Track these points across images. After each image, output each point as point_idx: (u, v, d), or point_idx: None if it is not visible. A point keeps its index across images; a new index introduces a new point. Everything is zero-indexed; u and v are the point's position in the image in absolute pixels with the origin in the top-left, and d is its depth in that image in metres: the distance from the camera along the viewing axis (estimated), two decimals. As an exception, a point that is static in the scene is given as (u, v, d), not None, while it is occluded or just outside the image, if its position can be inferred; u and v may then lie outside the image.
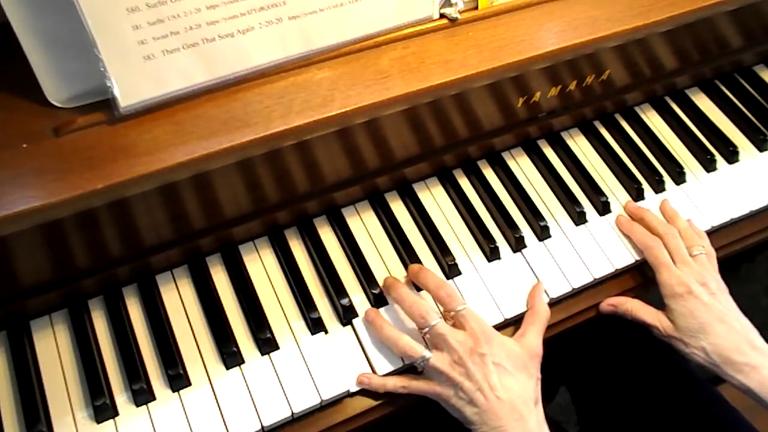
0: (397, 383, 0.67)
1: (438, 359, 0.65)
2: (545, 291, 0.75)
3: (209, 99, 0.63)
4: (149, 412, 0.64)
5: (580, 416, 0.95)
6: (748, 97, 0.97)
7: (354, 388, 0.68)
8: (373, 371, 0.68)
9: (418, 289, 0.74)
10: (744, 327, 0.72)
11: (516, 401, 0.63)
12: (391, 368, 0.69)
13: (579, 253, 0.79)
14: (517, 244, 0.78)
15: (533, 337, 0.69)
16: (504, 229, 0.80)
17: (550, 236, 0.80)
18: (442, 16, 0.71)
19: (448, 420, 0.66)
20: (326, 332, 0.71)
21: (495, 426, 0.62)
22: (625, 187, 0.86)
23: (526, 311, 0.73)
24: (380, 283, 0.73)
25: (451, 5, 0.71)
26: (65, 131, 0.59)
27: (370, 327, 0.70)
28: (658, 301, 0.75)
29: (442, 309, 0.71)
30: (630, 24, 0.74)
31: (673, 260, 0.75)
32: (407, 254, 0.76)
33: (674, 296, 0.73)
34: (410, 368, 0.70)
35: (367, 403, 0.68)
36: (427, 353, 0.65)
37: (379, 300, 0.73)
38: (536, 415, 0.64)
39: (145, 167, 0.58)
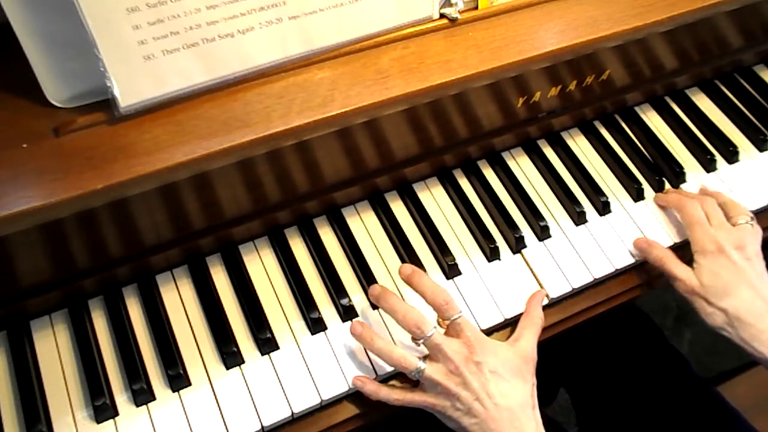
0: (390, 394, 0.65)
1: (434, 370, 0.63)
2: (546, 293, 0.75)
3: (209, 99, 0.63)
4: (149, 412, 0.64)
5: (580, 417, 0.95)
6: (748, 97, 0.97)
7: (354, 388, 0.68)
8: (374, 371, 0.68)
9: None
10: None
11: (514, 408, 0.62)
12: (391, 368, 0.68)
13: (579, 253, 0.79)
14: (517, 244, 0.78)
15: (528, 341, 0.68)
16: (504, 229, 0.80)
17: (550, 236, 0.80)
18: (442, 16, 0.71)
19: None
20: (326, 332, 0.71)
21: None
22: (625, 187, 0.85)
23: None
24: (380, 283, 0.73)
25: (451, 5, 0.71)
26: (65, 131, 0.59)
27: (359, 341, 0.67)
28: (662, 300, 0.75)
29: (435, 315, 0.69)
30: (630, 24, 0.74)
31: (711, 223, 0.74)
32: (407, 254, 0.76)
33: (704, 253, 0.72)
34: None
35: (367, 403, 0.68)
36: (421, 364, 0.63)
37: (379, 300, 0.73)
38: (534, 420, 0.63)
39: (145, 167, 0.58)
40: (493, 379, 0.63)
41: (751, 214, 0.76)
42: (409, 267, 0.69)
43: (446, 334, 0.66)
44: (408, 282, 0.69)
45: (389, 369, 0.68)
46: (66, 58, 0.58)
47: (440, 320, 0.69)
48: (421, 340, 0.64)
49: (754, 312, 0.68)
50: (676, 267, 0.74)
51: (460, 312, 0.66)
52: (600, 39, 0.73)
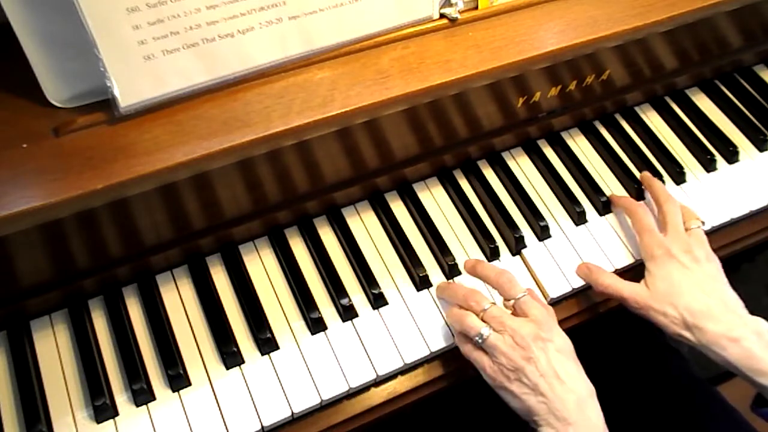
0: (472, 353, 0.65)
1: (497, 338, 0.62)
2: (545, 291, 0.75)
3: (209, 99, 0.63)
4: (149, 412, 0.64)
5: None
6: (748, 97, 0.97)
7: (354, 388, 0.68)
8: (375, 372, 0.68)
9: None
10: (726, 297, 0.68)
11: (581, 392, 0.61)
12: (391, 369, 0.69)
13: (579, 253, 0.79)
14: (517, 244, 0.78)
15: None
16: (504, 229, 0.80)
17: (550, 236, 0.80)
18: (442, 16, 0.71)
19: (448, 421, 0.66)
20: (326, 332, 0.71)
21: (562, 417, 0.59)
22: (625, 187, 0.85)
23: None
24: (380, 283, 0.73)
25: (451, 5, 0.71)
26: (65, 131, 0.59)
27: (440, 298, 0.72)
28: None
29: (502, 299, 0.69)
30: (630, 24, 0.74)
31: (665, 228, 0.74)
32: (407, 254, 0.76)
33: (653, 258, 0.71)
34: (410, 369, 0.70)
35: (367, 403, 0.68)
36: (486, 330, 0.62)
37: (378, 300, 0.73)
38: (597, 409, 0.61)
39: (145, 167, 0.58)
40: (560, 358, 0.61)
41: (702, 220, 0.76)
42: (472, 260, 0.73)
43: (513, 314, 0.65)
44: (472, 272, 0.72)
45: (389, 369, 0.68)
46: (66, 58, 0.58)
47: (505, 302, 0.68)
48: (481, 312, 0.64)
49: (707, 313, 0.66)
50: (621, 288, 0.71)
51: (525, 292, 0.66)
52: (600, 39, 0.73)
